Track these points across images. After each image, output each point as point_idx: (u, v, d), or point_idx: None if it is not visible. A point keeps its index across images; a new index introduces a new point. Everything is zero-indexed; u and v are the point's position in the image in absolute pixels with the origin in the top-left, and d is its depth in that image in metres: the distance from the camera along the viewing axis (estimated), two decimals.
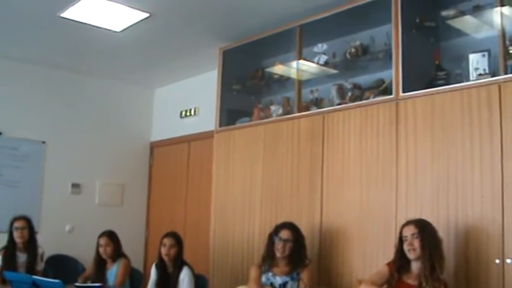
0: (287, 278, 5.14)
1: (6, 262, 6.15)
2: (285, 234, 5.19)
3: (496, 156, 4.41)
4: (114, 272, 6.03)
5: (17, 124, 7.97)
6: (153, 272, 5.90)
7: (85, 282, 6.03)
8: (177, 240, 5.80)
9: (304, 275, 5.11)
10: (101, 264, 6.13)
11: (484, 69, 4.69)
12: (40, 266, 6.38)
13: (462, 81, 4.78)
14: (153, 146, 9.27)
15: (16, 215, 6.37)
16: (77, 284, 5.66)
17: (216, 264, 6.75)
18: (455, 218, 4.61)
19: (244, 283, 5.49)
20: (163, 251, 5.75)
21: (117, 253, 6.13)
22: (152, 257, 6.12)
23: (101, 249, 6.08)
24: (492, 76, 4.58)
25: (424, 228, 4.27)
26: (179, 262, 5.75)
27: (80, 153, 8.50)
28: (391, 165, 5.10)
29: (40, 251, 6.43)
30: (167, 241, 5.77)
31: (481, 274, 4.41)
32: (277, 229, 5.26)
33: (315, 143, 5.80)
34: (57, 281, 5.12)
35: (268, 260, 5.27)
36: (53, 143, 8.26)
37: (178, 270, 5.70)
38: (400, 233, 4.37)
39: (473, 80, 4.70)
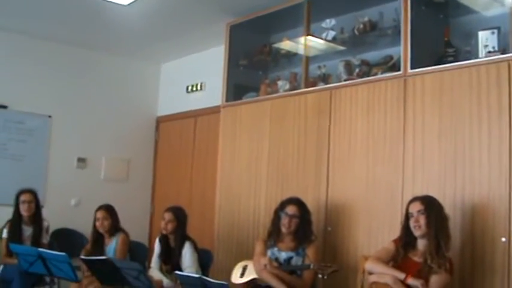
0: (292, 254, 5.15)
1: (12, 235, 6.18)
2: (291, 209, 5.19)
3: (504, 134, 4.38)
4: (113, 247, 5.98)
5: (23, 98, 7.95)
6: (156, 246, 5.92)
7: (88, 255, 6.03)
8: (177, 214, 5.78)
9: (310, 251, 5.12)
10: (98, 238, 6.07)
11: (494, 47, 4.65)
12: (45, 239, 6.40)
13: (471, 59, 4.75)
14: (159, 121, 9.25)
15: (22, 188, 6.38)
16: (82, 257, 5.66)
17: (221, 239, 6.76)
18: (462, 196, 4.60)
19: (249, 258, 5.51)
20: (162, 225, 5.77)
21: (115, 228, 6.07)
22: (157, 232, 6.14)
23: (98, 223, 6.01)
24: (502, 53, 4.55)
25: (430, 205, 4.27)
26: (181, 236, 5.75)
27: (86, 127, 8.49)
28: (398, 142, 5.08)
29: (45, 224, 6.45)
30: (166, 215, 5.77)
31: (487, 252, 4.41)
32: (283, 204, 5.26)
33: (321, 118, 5.78)
34: (62, 253, 5.14)
35: (274, 235, 5.28)
36: (59, 117, 8.25)
37: (181, 244, 5.70)
38: (407, 209, 4.37)
39: (482, 58, 4.66)
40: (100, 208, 6.09)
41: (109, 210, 6.08)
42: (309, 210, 5.28)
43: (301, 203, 5.26)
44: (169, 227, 5.73)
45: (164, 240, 5.84)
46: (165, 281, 5.50)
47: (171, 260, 5.72)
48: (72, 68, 8.41)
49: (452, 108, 4.73)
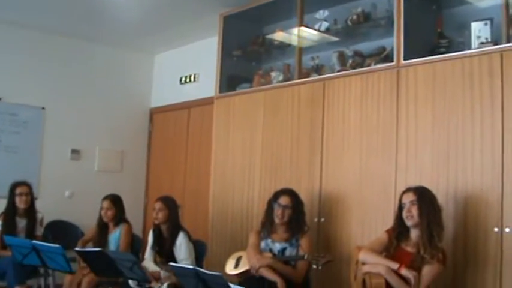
0: (286, 245, 5.17)
1: (6, 227, 6.17)
2: (284, 200, 5.20)
3: (497, 125, 4.41)
4: (116, 236, 6.08)
5: (17, 90, 7.92)
6: (150, 237, 5.93)
7: (84, 246, 6.07)
8: (167, 204, 5.79)
9: (303, 242, 5.14)
10: (102, 227, 6.18)
11: (486, 38, 4.66)
12: (39, 231, 6.40)
13: (464, 50, 4.76)
14: (153, 112, 9.24)
15: (17, 180, 6.37)
16: (76, 249, 5.67)
17: (215, 230, 6.77)
18: (455, 186, 4.63)
19: (243, 249, 5.51)
20: (154, 215, 5.79)
21: (119, 218, 6.16)
22: (151, 223, 6.15)
23: (102, 212, 6.12)
24: (494, 45, 4.56)
25: (423, 196, 4.28)
26: (173, 226, 5.76)
27: (79, 119, 8.47)
28: (391, 133, 5.10)
29: (39, 216, 6.44)
30: (156, 205, 5.79)
31: (480, 242, 4.44)
32: (277, 195, 5.27)
33: (315, 109, 5.79)
34: (56, 245, 5.14)
35: (267, 226, 5.29)
36: (53, 109, 8.23)
37: (174, 234, 5.71)
38: (400, 200, 4.38)
39: (475, 49, 4.68)
40: (106, 198, 6.18)
41: (114, 201, 6.17)
42: (302, 201, 5.29)
43: (294, 194, 5.27)
44: (160, 215, 5.74)
45: (157, 230, 5.86)
46: (162, 272, 5.51)
47: (164, 250, 5.73)
48: (65, 59, 8.39)
49: (445, 99, 4.75)
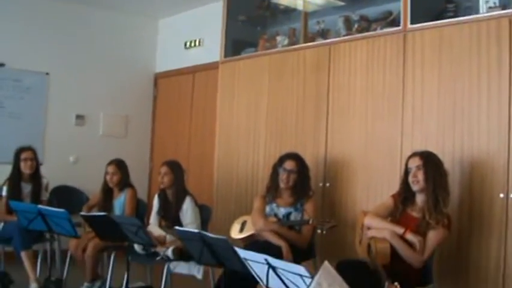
0: (291, 209, 5.18)
1: (11, 192, 6.17)
2: (289, 164, 5.20)
3: (504, 89, 4.38)
4: (121, 201, 6.09)
5: (20, 56, 7.88)
6: (155, 202, 5.96)
7: (89, 211, 6.07)
8: (172, 167, 5.81)
9: (308, 206, 5.14)
10: (107, 192, 6.17)
11: (494, 2, 4.60)
12: (45, 196, 6.40)
13: (471, 14, 4.70)
14: (157, 77, 9.19)
15: (22, 145, 6.35)
16: (82, 214, 5.69)
17: (219, 195, 6.79)
18: (461, 152, 4.62)
19: (248, 214, 5.53)
20: (159, 179, 5.80)
21: (124, 183, 6.15)
22: (156, 188, 6.16)
23: (108, 177, 6.11)
24: (502, 9, 4.50)
25: (429, 161, 4.26)
26: (178, 191, 5.78)
27: (83, 84, 8.44)
28: (397, 98, 5.08)
29: (44, 181, 6.44)
30: (161, 169, 5.81)
31: (485, 208, 4.45)
32: (282, 160, 5.27)
33: (320, 74, 5.76)
34: (62, 210, 5.16)
35: (272, 190, 5.29)
36: (57, 75, 8.19)
37: (179, 199, 5.73)
38: (406, 164, 4.36)
39: (483, 13, 4.62)
40: (111, 162, 6.17)
41: (119, 165, 6.16)
42: (307, 166, 5.29)
43: (300, 158, 5.26)
44: (166, 180, 5.75)
45: (163, 195, 5.87)
46: (168, 236, 5.53)
47: (170, 215, 5.75)
48: (69, 25, 8.32)
49: (452, 63, 4.72)
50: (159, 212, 5.88)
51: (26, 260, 5.76)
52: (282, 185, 5.19)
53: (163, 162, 5.90)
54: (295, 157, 5.26)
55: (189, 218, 5.62)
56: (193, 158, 8.10)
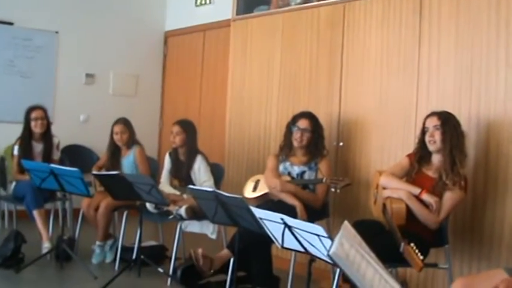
0: (305, 168, 5.15)
1: (23, 152, 6.14)
2: (302, 123, 5.15)
3: None
4: (130, 160, 6.06)
5: (29, 14, 7.81)
6: (166, 161, 5.95)
7: (99, 171, 6.05)
8: (184, 127, 5.79)
9: (322, 165, 5.12)
10: (115, 151, 6.15)
11: None
12: (56, 155, 6.38)
13: None
14: (168, 36, 9.10)
15: (32, 104, 6.30)
16: (94, 173, 5.68)
17: (232, 153, 6.76)
18: (477, 112, 4.54)
19: (261, 173, 5.52)
20: (171, 138, 5.79)
21: (132, 140, 6.14)
22: (166, 147, 6.13)
23: (117, 137, 6.06)
24: None
25: (447, 121, 4.20)
26: (189, 150, 5.76)
27: (93, 43, 8.38)
28: (413, 55, 4.99)
29: (56, 140, 6.41)
30: (174, 128, 5.79)
31: (500, 170, 4.39)
32: (295, 118, 5.22)
33: (334, 32, 5.67)
34: (75, 169, 5.16)
35: (286, 149, 5.26)
36: (66, 33, 8.13)
37: (191, 158, 5.72)
38: (423, 123, 4.30)
39: None
40: (118, 122, 6.13)
41: (127, 124, 6.13)
42: (321, 125, 5.24)
43: (314, 117, 5.22)
44: (178, 139, 5.73)
45: (174, 154, 5.85)
46: (184, 195, 5.52)
47: (181, 174, 5.74)
48: None
49: (470, 20, 4.61)
50: (170, 171, 5.87)
51: (39, 219, 5.78)
52: (295, 143, 5.16)
53: (176, 121, 5.87)
54: (309, 116, 5.21)
55: (203, 175, 5.62)
56: (204, 117, 8.06)
